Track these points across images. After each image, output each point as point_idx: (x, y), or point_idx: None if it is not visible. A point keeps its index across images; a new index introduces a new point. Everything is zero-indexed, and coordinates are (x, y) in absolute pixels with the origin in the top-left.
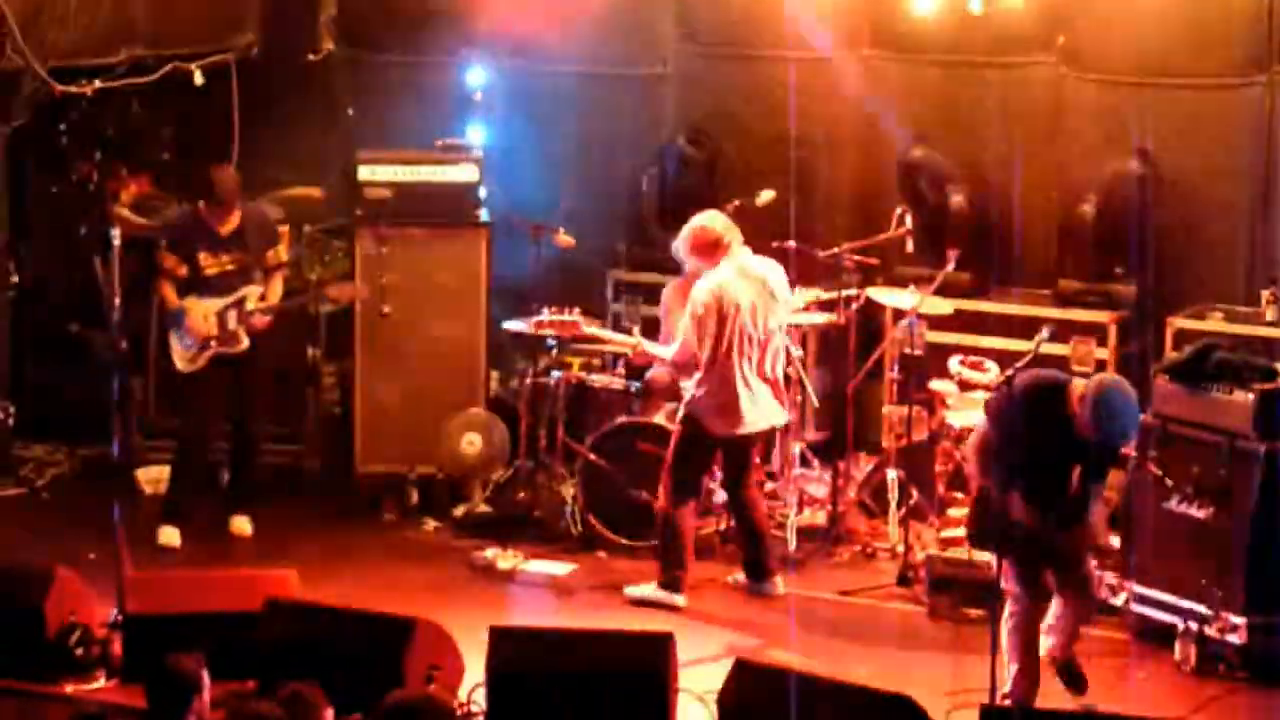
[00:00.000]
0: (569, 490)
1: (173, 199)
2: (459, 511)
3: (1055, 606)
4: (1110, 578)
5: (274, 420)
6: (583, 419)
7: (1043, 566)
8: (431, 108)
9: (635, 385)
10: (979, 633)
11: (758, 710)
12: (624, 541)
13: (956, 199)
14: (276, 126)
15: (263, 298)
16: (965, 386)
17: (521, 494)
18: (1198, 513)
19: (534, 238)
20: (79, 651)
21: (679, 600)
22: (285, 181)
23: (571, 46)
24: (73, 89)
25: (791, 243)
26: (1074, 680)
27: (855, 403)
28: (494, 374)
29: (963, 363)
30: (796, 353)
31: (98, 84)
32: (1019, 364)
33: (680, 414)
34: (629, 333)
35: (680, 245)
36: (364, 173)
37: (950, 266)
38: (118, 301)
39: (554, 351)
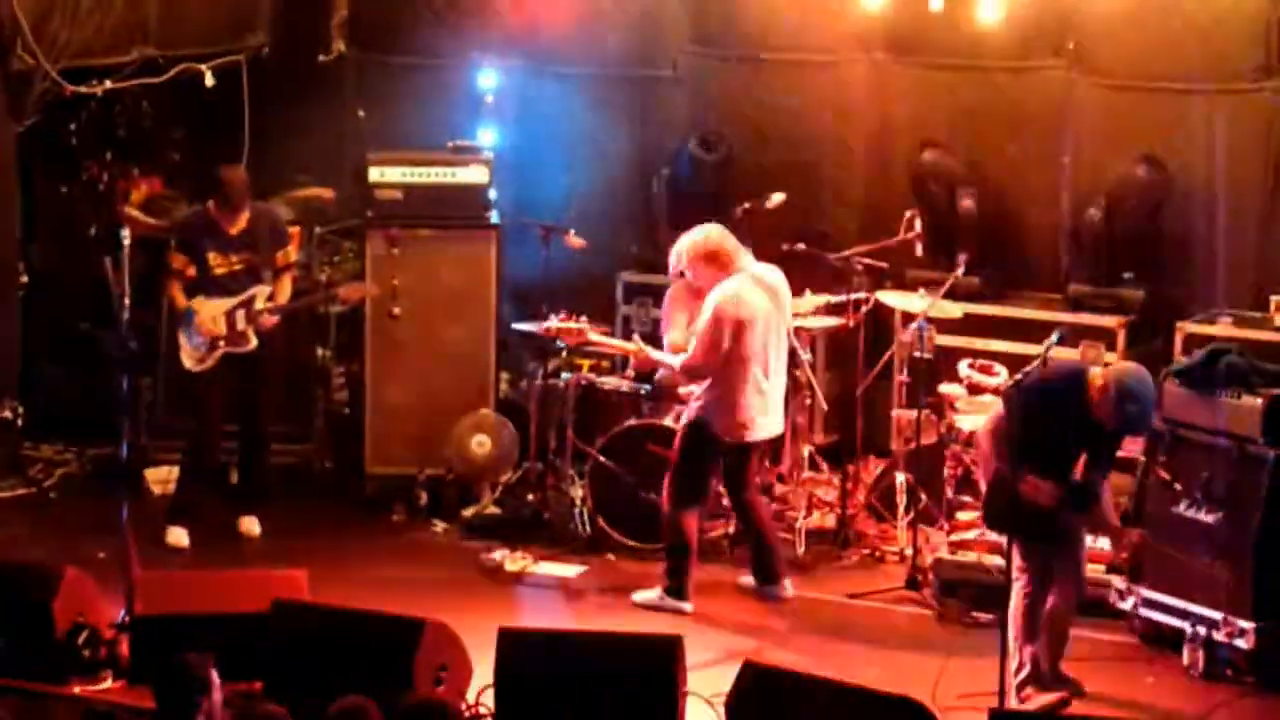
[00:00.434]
0: (578, 492)
1: (183, 199)
2: (468, 513)
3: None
4: (1119, 582)
5: (283, 421)
6: (592, 421)
7: (1049, 548)
8: (442, 109)
9: (645, 387)
10: (987, 636)
11: (766, 713)
12: (633, 544)
13: (966, 203)
14: (287, 127)
15: (271, 298)
16: (974, 390)
17: (530, 496)
18: (1206, 517)
19: (544, 239)
20: (87, 652)
21: (686, 606)
22: (296, 182)
23: (582, 48)
24: (83, 89)
25: (801, 246)
26: (1065, 685)
27: (864, 406)
28: (503, 375)
29: (972, 366)
30: (806, 356)
31: (108, 84)
32: (1028, 368)
33: (688, 418)
34: (633, 338)
35: (685, 257)
36: (374, 174)
37: (960, 270)
38: (127, 302)
39: (564, 353)
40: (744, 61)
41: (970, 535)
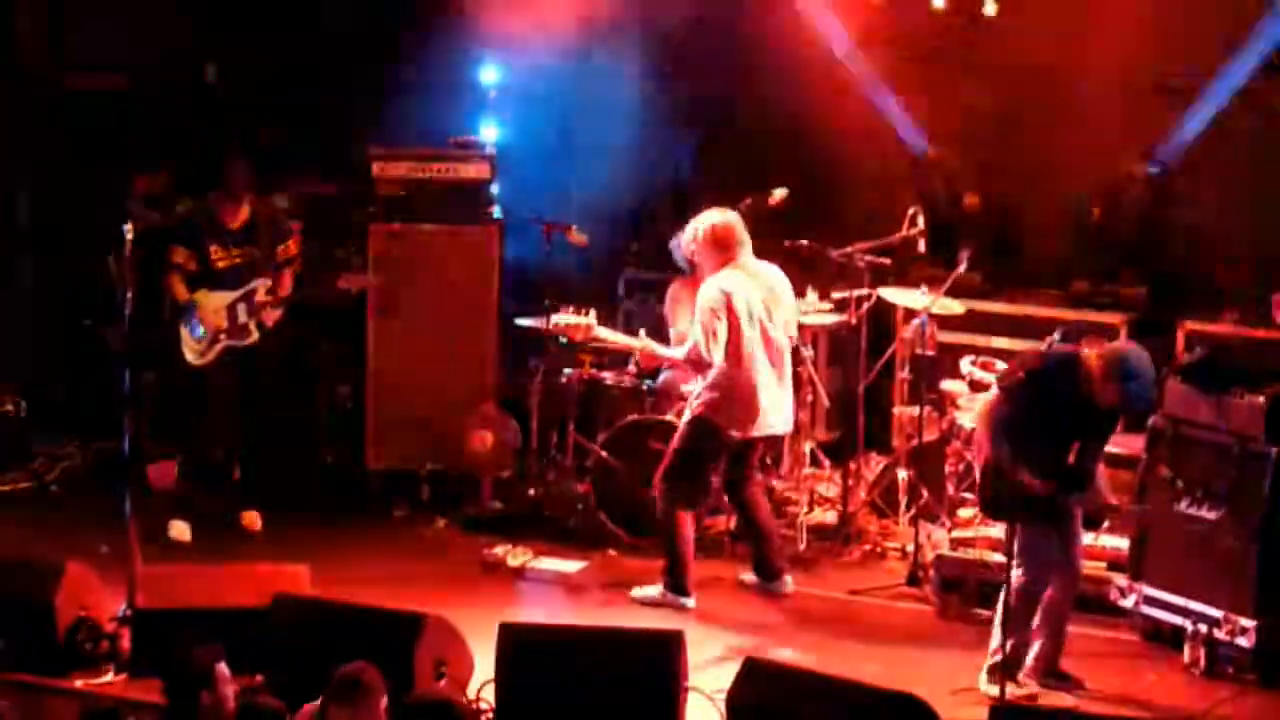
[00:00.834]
0: (580, 487)
1: (187, 194)
2: (470, 508)
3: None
4: (1120, 579)
5: (285, 415)
6: (594, 416)
7: (1049, 531)
8: (445, 105)
9: (648, 383)
10: (989, 632)
11: (767, 709)
12: (634, 539)
13: (969, 199)
14: (290, 123)
15: (272, 291)
16: (976, 387)
17: (532, 491)
18: (1208, 515)
19: (546, 235)
20: (88, 646)
21: (687, 602)
22: (298, 178)
23: (585, 44)
24: (88, 86)
25: (804, 242)
26: (1065, 682)
27: (866, 403)
28: (505, 371)
29: (974, 363)
30: (808, 353)
31: (113, 80)
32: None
33: (693, 413)
34: (639, 334)
35: (700, 234)
36: (377, 169)
37: (962, 267)
38: (130, 296)
39: (565, 348)
40: (748, 57)
41: (971, 532)
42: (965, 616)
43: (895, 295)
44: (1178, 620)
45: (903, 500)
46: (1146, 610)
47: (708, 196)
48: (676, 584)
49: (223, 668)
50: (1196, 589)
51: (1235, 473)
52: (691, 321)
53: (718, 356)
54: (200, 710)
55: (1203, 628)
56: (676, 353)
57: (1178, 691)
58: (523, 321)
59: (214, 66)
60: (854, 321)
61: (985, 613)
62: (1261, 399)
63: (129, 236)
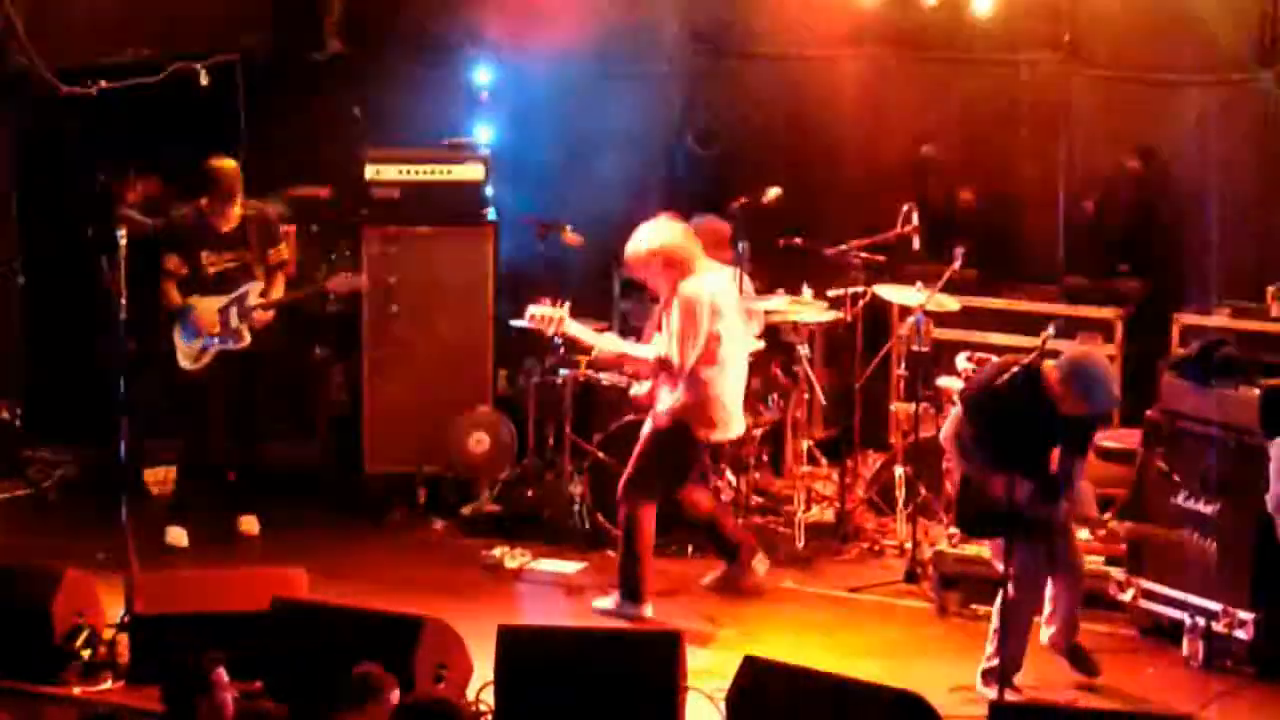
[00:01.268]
0: (577, 489)
1: (179, 199)
2: (467, 510)
3: (1050, 590)
4: (1117, 573)
5: (281, 419)
6: (590, 417)
7: (1034, 544)
8: (438, 106)
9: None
10: (987, 629)
11: (767, 708)
12: None
13: (964, 196)
14: (283, 126)
15: (264, 294)
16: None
17: (529, 493)
18: (1205, 508)
19: (541, 236)
20: (86, 653)
21: (645, 611)
22: (292, 181)
23: (578, 45)
24: (78, 90)
25: (798, 240)
26: (1083, 664)
27: (863, 400)
28: (501, 372)
29: (970, 359)
30: (804, 351)
31: (103, 84)
32: (1026, 360)
33: (665, 420)
34: (640, 334)
35: (646, 258)
36: (371, 172)
37: (957, 263)
38: (124, 302)
39: (561, 350)
40: (740, 57)
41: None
42: (964, 613)
43: (891, 292)
44: (1176, 614)
45: (900, 497)
46: (1144, 604)
47: (702, 196)
48: (634, 593)
49: (221, 673)
50: (1194, 583)
51: (1231, 466)
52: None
53: (691, 360)
54: (198, 717)
55: (1201, 621)
56: (645, 352)
57: (1176, 685)
58: (518, 323)
59: (206, 69)
60: (849, 319)
61: (984, 609)
62: (1257, 392)
63: (122, 242)
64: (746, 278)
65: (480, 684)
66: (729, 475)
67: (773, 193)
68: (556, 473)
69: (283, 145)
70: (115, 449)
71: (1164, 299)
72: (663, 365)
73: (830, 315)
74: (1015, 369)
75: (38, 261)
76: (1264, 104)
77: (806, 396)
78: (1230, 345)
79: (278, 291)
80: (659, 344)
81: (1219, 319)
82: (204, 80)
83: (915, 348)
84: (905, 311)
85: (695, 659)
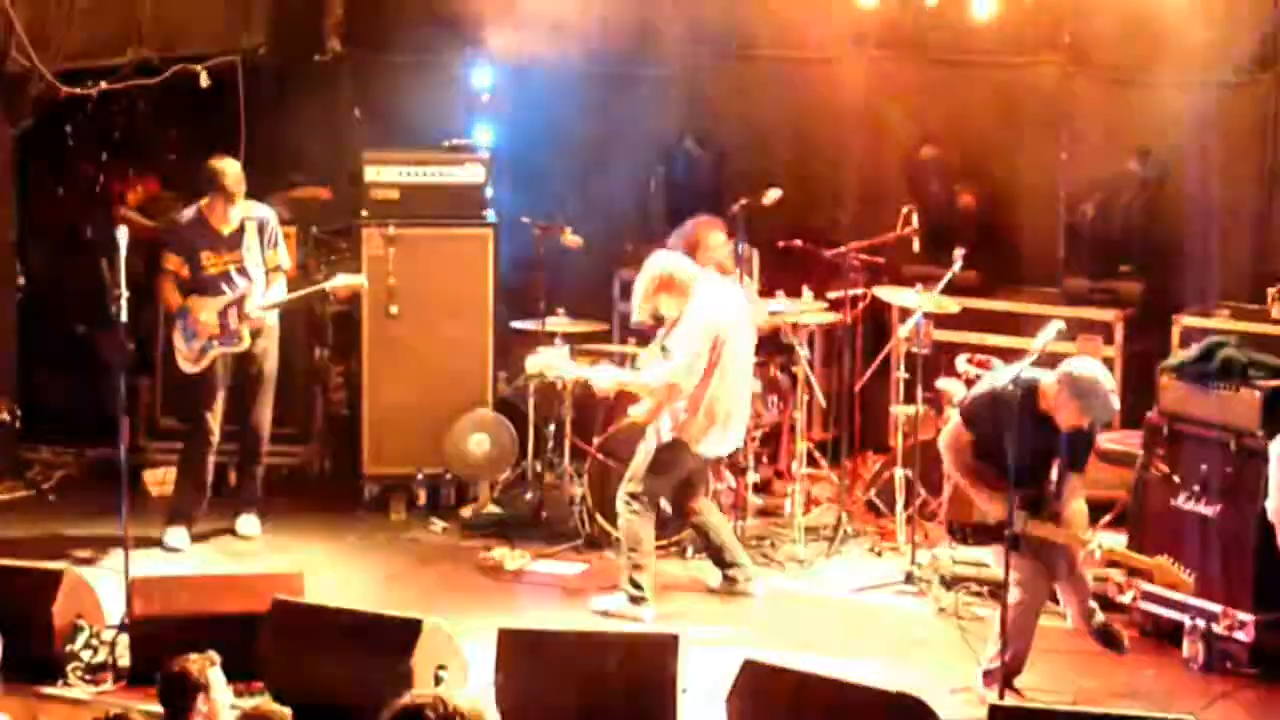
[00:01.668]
0: (576, 490)
1: (179, 200)
2: (466, 512)
3: (1063, 603)
4: (1118, 575)
5: (281, 421)
6: (590, 419)
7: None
8: (438, 108)
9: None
10: (987, 631)
11: (766, 710)
12: None
13: (964, 198)
14: (283, 128)
15: (264, 296)
16: (972, 385)
17: (529, 494)
18: (1205, 510)
19: (540, 238)
20: (85, 654)
21: (646, 614)
22: (292, 182)
23: (578, 47)
24: (79, 91)
25: (798, 242)
26: (1112, 641)
27: (862, 402)
28: (501, 374)
29: (970, 361)
30: (803, 353)
31: (104, 86)
32: (1026, 361)
33: (669, 433)
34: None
35: (643, 296)
36: (370, 173)
37: (957, 265)
38: (124, 303)
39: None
40: (740, 59)
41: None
42: (963, 615)
43: (890, 294)
44: (1176, 615)
45: (899, 499)
46: (1145, 606)
47: (702, 198)
48: (635, 597)
49: (216, 675)
50: (1194, 584)
51: (1232, 468)
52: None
53: (694, 384)
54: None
55: (1201, 623)
56: (649, 380)
57: (1176, 686)
58: (518, 324)
59: (206, 70)
60: (849, 321)
61: (984, 611)
62: (1257, 394)
63: (122, 242)
64: (747, 279)
65: (479, 685)
66: (728, 477)
67: (773, 194)
68: (556, 474)
69: (283, 146)
70: (115, 450)
71: (1164, 301)
72: (671, 391)
73: (830, 317)
74: (1013, 381)
75: (38, 262)
76: (1264, 106)
77: (806, 398)
78: (1231, 347)
79: (277, 293)
80: (660, 368)
81: (1219, 321)
82: (204, 81)
83: (915, 350)
84: (905, 313)
85: (694, 661)
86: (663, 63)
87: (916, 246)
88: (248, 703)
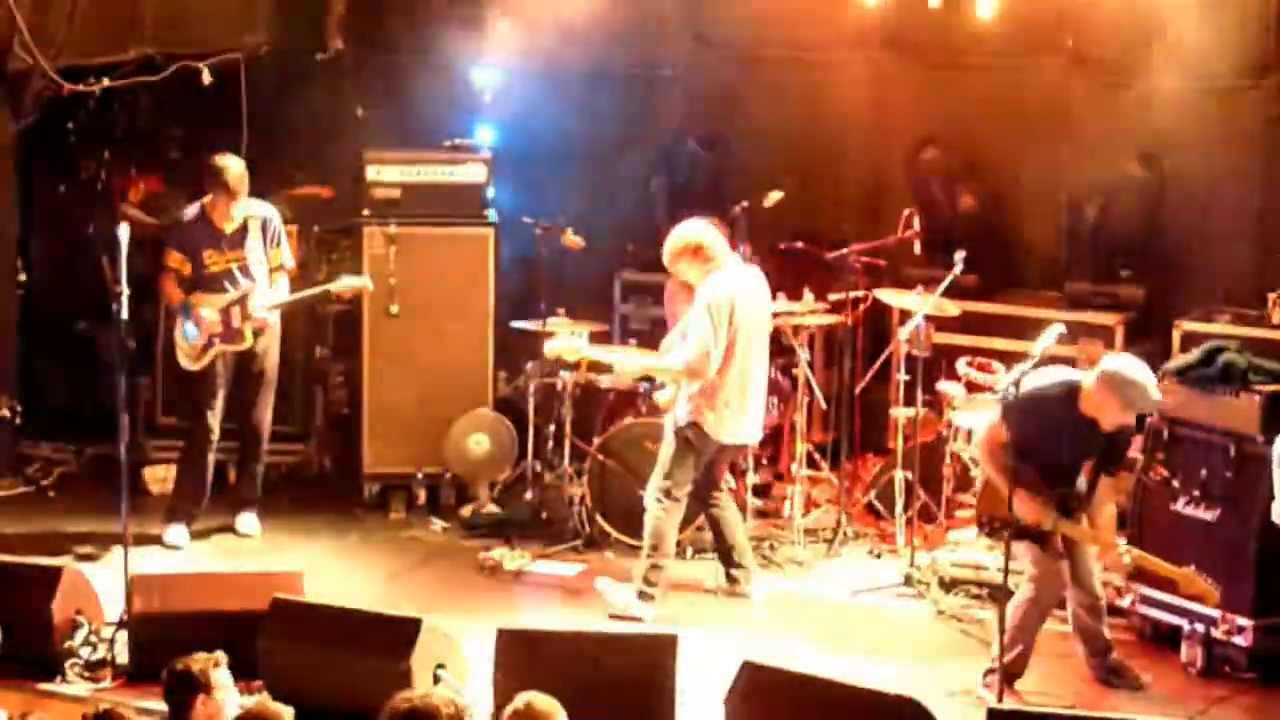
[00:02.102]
0: (577, 490)
1: (181, 198)
2: (466, 512)
3: (1069, 606)
4: (1117, 579)
5: (281, 420)
6: (590, 419)
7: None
8: (440, 107)
9: (644, 385)
10: (986, 633)
11: (764, 712)
12: (631, 542)
13: (965, 200)
14: (285, 126)
15: (266, 295)
16: (972, 388)
17: (529, 494)
18: (1205, 515)
19: (541, 238)
20: (84, 651)
21: (648, 614)
22: (294, 181)
23: (581, 46)
24: (81, 88)
25: (799, 244)
26: (1125, 680)
27: (863, 404)
28: (501, 374)
29: (970, 364)
30: (804, 355)
31: (106, 83)
32: (1026, 364)
33: (682, 420)
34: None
35: (668, 253)
36: (372, 172)
37: (958, 268)
38: (125, 300)
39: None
40: (742, 60)
41: (968, 533)
42: (962, 617)
43: (891, 297)
44: (1175, 620)
45: (899, 501)
46: (1144, 610)
47: (704, 199)
48: (645, 594)
49: (222, 676)
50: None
51: (1232, 473)
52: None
53: (717, 363)
54: (194, 717)
55: (1200, 627)
56: (673, 363)
57: (1175, 691)
58: (519, 324)
59: (209, 68)
60: (850, 323)
61: (982, 614)
62: (1257, 398)
63: (124, 240)
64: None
65: (478, 685)
66: (728, 477)
67: (774, 196)
68: (556, 475)
69: (284, 145)
70: (115, 447)
71: (1165, 305)
72: (692, 373)
73: (831, 319)
74: (1055, 382)
75: (39, 259)
76: (1266, 110)
77: (806, 400)
78: (1231, 351)
79: (280, 292)
80: (681, 349)
81: (1220, 325)
82: (206, 79)
83: (915, 352)
84: (906, 316)
85: (693, 662)
86: (665, 63)
87: (918, 249)
88: (247, 701)
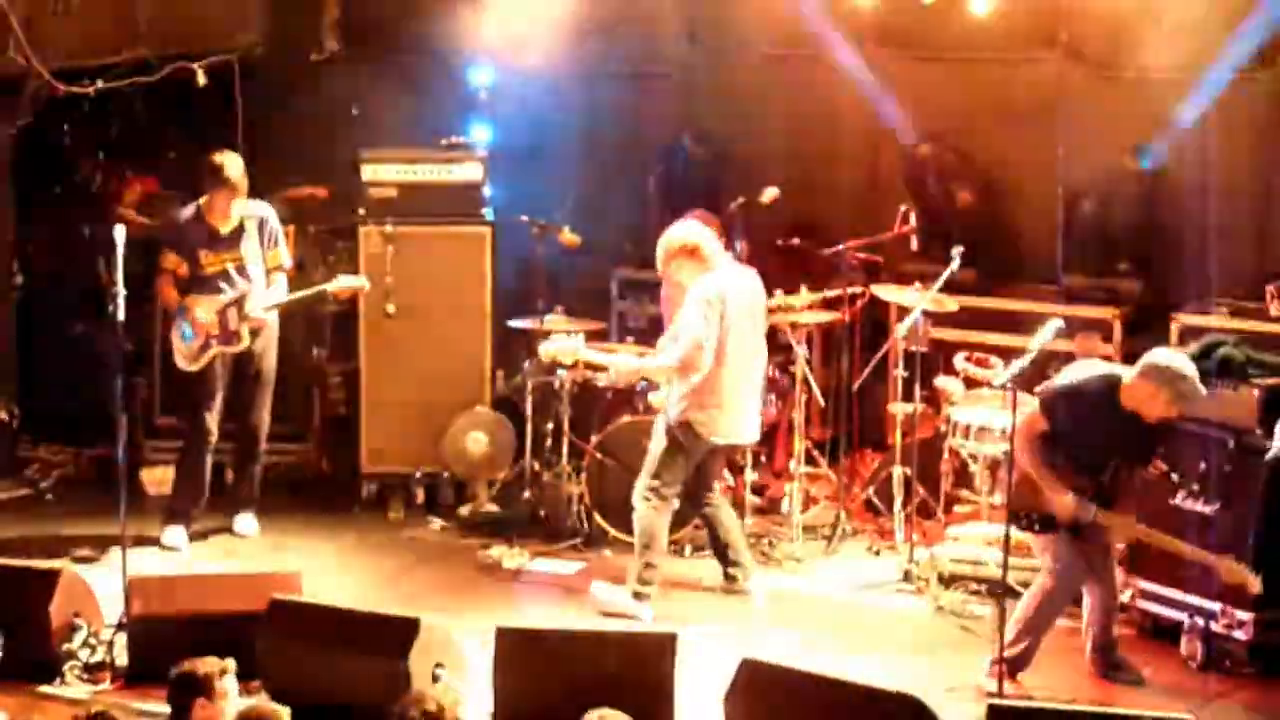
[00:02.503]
0: (575, 489)
1: (177, 199)
2: (465, 511)
3: (1087, 603)
4: (1117, 573)
5: (279, 420)
6: (588, 417)
7: (1083, 547)
8: (436, 107)
9: (642, 384)
10: (985, 629)
11: (763, 709)
12: (630, 539)
13: (962, 196)
14: (281, 126)
15: (263, 296)
16: (970, 383)
17: (527, 493)
18: (1204, 508)
19: (538, 237)
20: (83, 653)
21: (645, 613)
22: (290, 181)
23: (576, 45)
24: (76, 89)
25: (796, 240)
26: (1126, 675)
27: (861, 400)
28: (499, 373)
29: (968, 359)
30: (801, 351)
31: (101, 84)
32: (1024, 359)
33: (673, 419)
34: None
35: (663, 253)
36: (368, 172)
37: (955, 263)
38: (122, 302)
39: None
40: (738, 57)
41: (967, 529)
42: (961, 614)
43: (889, 293)
44: (1175, 614)
45: (898, 498)
46: (1143, 604)
47: (700, 196)
48: (640, 594)
49: (226, 682)
50: (1193, 582)
51: (1230, 466)
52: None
53: (709, 361)
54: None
55: (1200, 621)
56: (667, 361)
57: (1175, 685)
58: (516, 323)
59: (204, 69)
60: (847, 319)
61: (982, 609)
62: (1255, 392)
63: (120, 241)
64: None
65: (477, 684)
66: (726, 475)
67: (770, 193)
68: (554, 473)
69: (280, 145)
70: (113, 449)
71: (1163, 299)
72: (685, 368)
73: (828, 315)
74: (1096, 376)
75: (35, 261)
76: (1263, 103)
77: (804, 397)
78: (1229, 345)
79: (277, 293)
80: (673, 350)
81: (1218, 319)
82: (202, 80)
83: (913, 348)
84: (903, 312)
85: (692, 660)
86: (661, 61)
87: (915, 245)
88: (245, 702)
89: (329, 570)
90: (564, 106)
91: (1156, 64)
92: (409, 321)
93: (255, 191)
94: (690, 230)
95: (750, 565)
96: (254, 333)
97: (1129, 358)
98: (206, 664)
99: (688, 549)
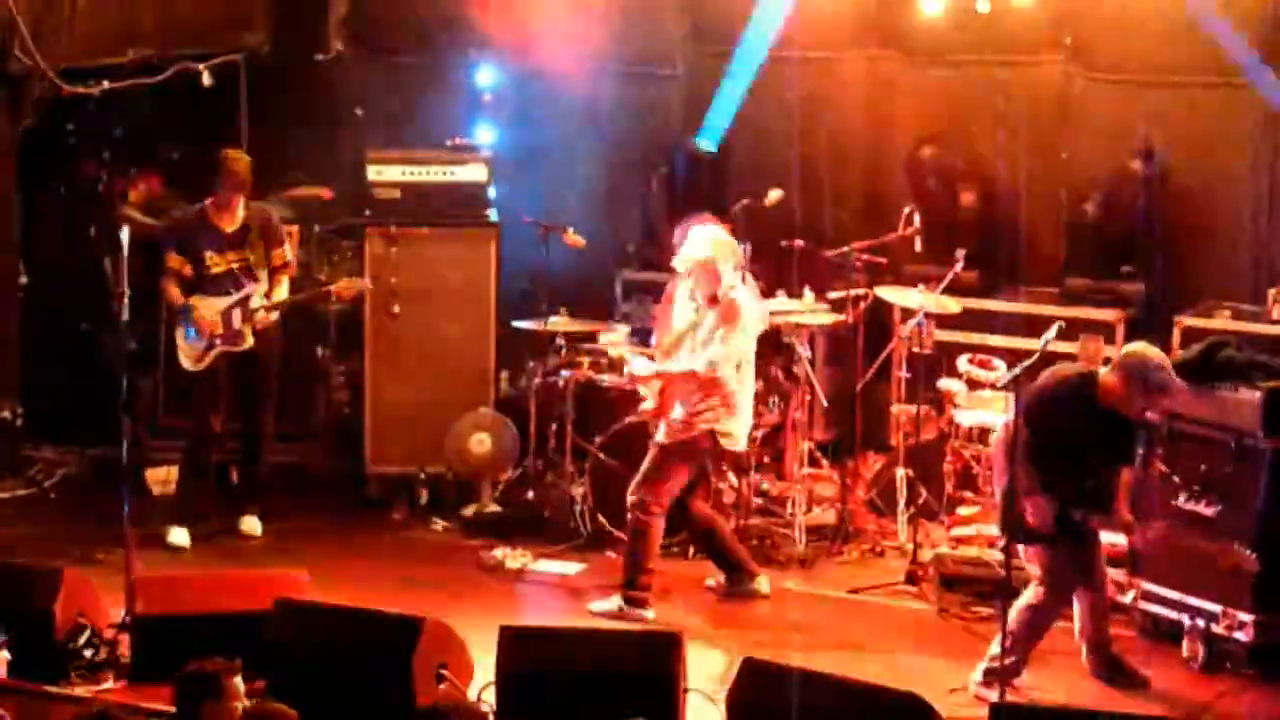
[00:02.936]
0: (578, 489)
1: (182, 199)
2: (468, 511)
3: (1077, 607)
4: (1118, 574)
5: (283, 420)
6: (591, 418)
7: (1073, 554)
8: (441, 108)
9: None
10: (988, 631)
11: (766, 710)
12: None
13: (965, 198)
14: (285, 127)
15: (267, 296)
16: (974, 385)
17: (531, 493)
18: (1205, 510)
19: (543, 238)
20: (87, 652)
21: (648, 614)
22: (294, 182)
23: (581, 47)
24: (81, 90)
25: (800, 242)
26: (1126, 679)
27: (864, 402)
28: (503, 374)
29: (971, 361)
30: (805, 353)
31: (106, 85)
32: (1026, 362)
33: (699, 430)
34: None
35: (706, 263)
36: (373, 173)
37: (958, 265)
38: (126, 302)
39: (563, 351)
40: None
41: (970, 530)
42: (964, 615)
43: (892, 294)
44: (1176, 615)
45: (901, 499)
46: (1145, 605)
47: (704, 198)
48: (638, 597)
49: (235, 683)
50: (1194, 584)
51: (1232, 468)
52: (694, 326)
53: (730, 373)
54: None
55: (1201, 623)
56: (695, 365)
57: (1176, 686)
58: (520, 324)
59: (209, 69)
60: (851, 321)
61: (984, 611)
62: (1257, 394)
63: (124, 241)
64: (750, 278)
65: (481, 684)
66: (730, 477)
67: (774, 194)
68: (558, 474)
69: (285, 146)
70: (118, 449)
71: (1165, 301)
72: (708, 379)
73: (832, 317)
74: (1072, 377)
75: (40, 261)
76: (1265, 106)
77: (808, 398)
78: (1231, 348)
79: (281, 293)
80: (702, 355)
81: (1220, 321)
82: (206, 80)
83: (917, 350)
84: (907, 313)
85: (695, 660)
86: (665, 62)
87: (918, 246)
88: (250, 701)
89: (333, 570)
90: (568, 108)
91: (1160, 66)
92: (413, 322)
93: (260, 192)
94: (726, 245)
95: (750, 565)
96: (258, 333)
97: None
98: (215, 664)
99: (690, 550)
